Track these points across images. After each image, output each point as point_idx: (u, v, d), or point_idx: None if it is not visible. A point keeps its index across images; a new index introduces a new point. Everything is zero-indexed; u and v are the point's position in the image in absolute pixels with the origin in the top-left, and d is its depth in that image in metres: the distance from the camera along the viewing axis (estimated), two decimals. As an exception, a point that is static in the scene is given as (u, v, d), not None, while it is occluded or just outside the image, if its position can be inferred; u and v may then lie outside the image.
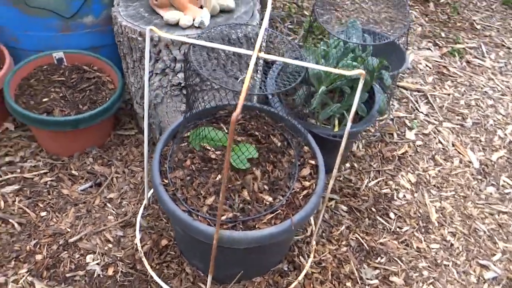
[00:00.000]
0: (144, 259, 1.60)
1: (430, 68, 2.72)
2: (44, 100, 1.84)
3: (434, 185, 2.05)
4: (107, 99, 1.87)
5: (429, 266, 1.75)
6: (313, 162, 1.48)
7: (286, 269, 1.64)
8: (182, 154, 1.46)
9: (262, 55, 1.15)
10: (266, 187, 1.39)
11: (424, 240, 1.83)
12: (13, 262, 1.59)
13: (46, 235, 1.67)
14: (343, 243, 1.77)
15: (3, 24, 1.88)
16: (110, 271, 1.59)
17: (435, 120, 2.38)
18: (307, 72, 1.20)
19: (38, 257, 1.61)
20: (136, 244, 1.64)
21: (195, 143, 1.46)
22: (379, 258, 1.75)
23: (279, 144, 1.51)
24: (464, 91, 2.60)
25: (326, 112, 1.68)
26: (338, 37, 1.50)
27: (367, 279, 1.68)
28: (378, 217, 1.89)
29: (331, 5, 2.98)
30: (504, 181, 2.10)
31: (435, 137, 2.28)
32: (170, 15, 1.63)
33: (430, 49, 2.86)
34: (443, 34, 3.00)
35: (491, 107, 2.50)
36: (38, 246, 1.64)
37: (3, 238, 1.65)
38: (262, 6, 1.87)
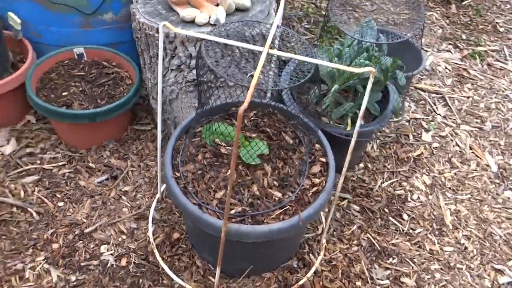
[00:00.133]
0: (156, 251, 1.63)
1: (449, 70, 2.68)
2: (64, 93, 1.89)
3: (450, 188, 2.02)
4: (125, 94, 1.91)
5: (441, 269, 1.73)
6: (323, 159, 1.49)
7: (295, 266, 1.65)
8: (194, 149, 1.49)
9: (272, 51, 1.16)
10: (275, 183, 1.40)
11: (438, 243, 1.81)
12: (30, 250, 1.64)
13: (63, 225, 1.72)
14: (354, 242, 1.76)
15: (27, 19, 1.95)
16: (123, 262, 1.63)
17: (452, 122, 2.35)
18: (317, 70, 1.21)
19: (55, 245, 1.66)
20: (149, 236, 1.68)
21: (207, 138, 1.48)
22: (390, 259, 1.74)
23: (290, 141, 1.52)
24: (485, 94, 2.55)
25: (339, 111, 1.68)
26: (352, 36, 1.50)
27: (378, 279, 1.67)
28: (390, 218, 1.87)
29: (351, 6, 2.97)
30: (522, 186, 2.06)
31: (452, 140, 2.25)
32: (186, 12, 1.66)
33: (450, 51, 2.82)
34: (464, 37, 2.96)
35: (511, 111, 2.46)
36: (55, 235, 1.69)
37: (22, 226, 1.71)
38: (278, 5, 1.88)
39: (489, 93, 2.56)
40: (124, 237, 1.70)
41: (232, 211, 1.31)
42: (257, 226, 1.28)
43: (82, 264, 1.61)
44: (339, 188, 1.43)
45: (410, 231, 1.84)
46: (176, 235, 1.69)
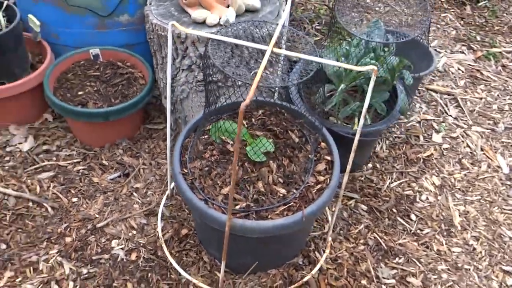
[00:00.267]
0: (164, 246, 1.67)
1: (462, 71, 2.66)
2: (80, 93, 1.96)
3: (459, 189, 2.02)
4: (138, 93, 1.96)
5: (449, 269, 1.73)
6: (329, 158, 1.51)
7: (301, 263, 1.67)
8: (202, 146, 1.52)
9: (277, 50, 1.19)
10: (280, 180, 1.42)
11: (446, 243, 1.81)
12: (45, 243, 1.70)
13: (76, 220, 1.78)
14: (361, 241, 1.77)
15: (46, 21, 2.02)
16: (133, 256, 1.67)
17: (464, 123, 2.33)
18: (321, 69, 1.23)
19: (68, 239, 1.71)
20: (158, 232, 1.72)
21: (215, 136, 1.52)
22: (397, 259, 1.74)
23: (296, 140, 1.55)
24: (498, 95, 2.53)
25: (346, 110, 1.70)
26: (359, 36, 1.52)
27: (384, 278, 1.67)
28: (398, 218, 1.88)
29: (363, 7, 2.98)
30: (534, 188, 2.04)
31: (463, 141, 2.24)
32: (197, 13, 1.71)
33: (463, 53, 2.80)
34: (478, 38, 2.94)
35: (525, 113, 2.43)
36: (68, 229, 1.75)
37: (37, 220, 1.77)
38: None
39: (502, 94, 2.54)
40: (134, 232, 1.75)
41: (237, 207, 1.34)
42: (261, 221, 1.31)
43: (94, 257, 1.66)
44: (343, 185, 1.45)
45: (418, 231, 1.84)
46: (184, 231, 1.73)
